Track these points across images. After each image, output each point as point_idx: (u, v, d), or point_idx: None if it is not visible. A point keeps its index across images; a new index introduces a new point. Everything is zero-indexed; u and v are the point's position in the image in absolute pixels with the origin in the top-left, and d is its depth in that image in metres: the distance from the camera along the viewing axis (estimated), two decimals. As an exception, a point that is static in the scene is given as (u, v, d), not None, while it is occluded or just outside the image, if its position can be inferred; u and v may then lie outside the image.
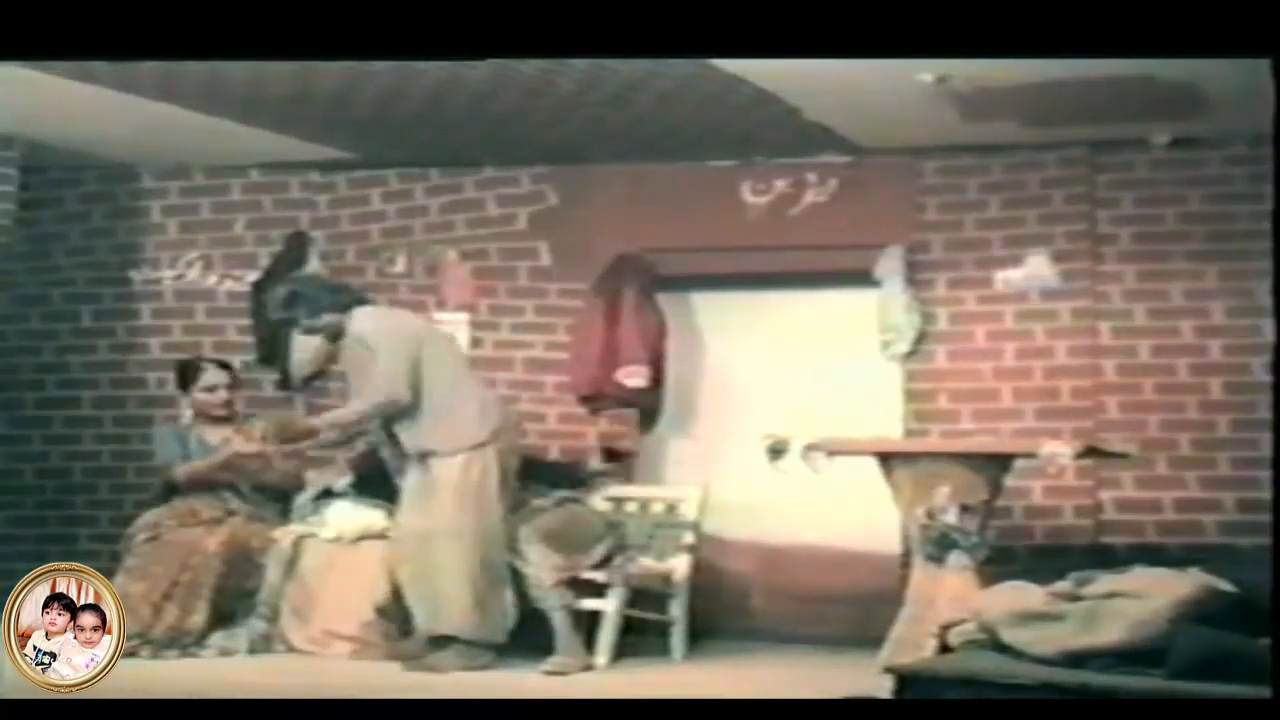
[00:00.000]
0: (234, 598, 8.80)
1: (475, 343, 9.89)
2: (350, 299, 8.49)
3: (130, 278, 10.44)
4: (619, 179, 9.83)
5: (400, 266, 10.19)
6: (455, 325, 9.58)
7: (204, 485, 9.04)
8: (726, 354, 9.95)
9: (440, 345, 8.53)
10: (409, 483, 8.27)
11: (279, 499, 9.22)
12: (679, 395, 9.87)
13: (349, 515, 8.97)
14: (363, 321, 8.31)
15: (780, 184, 9.63)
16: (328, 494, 9.20)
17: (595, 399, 9.69)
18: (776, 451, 7.95)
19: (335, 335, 8.45)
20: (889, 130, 8.99)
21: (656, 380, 9.58)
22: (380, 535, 8.76)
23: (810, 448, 7.86)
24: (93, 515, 10.24)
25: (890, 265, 9.34)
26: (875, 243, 9.39)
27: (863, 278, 9.37)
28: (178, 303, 10.41)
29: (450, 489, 8.11)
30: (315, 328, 8.51)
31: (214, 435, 9.16)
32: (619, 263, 9.72)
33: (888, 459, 7.92)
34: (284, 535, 8.93)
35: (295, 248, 10.20)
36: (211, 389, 9.20)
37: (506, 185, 10.07)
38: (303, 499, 9.24)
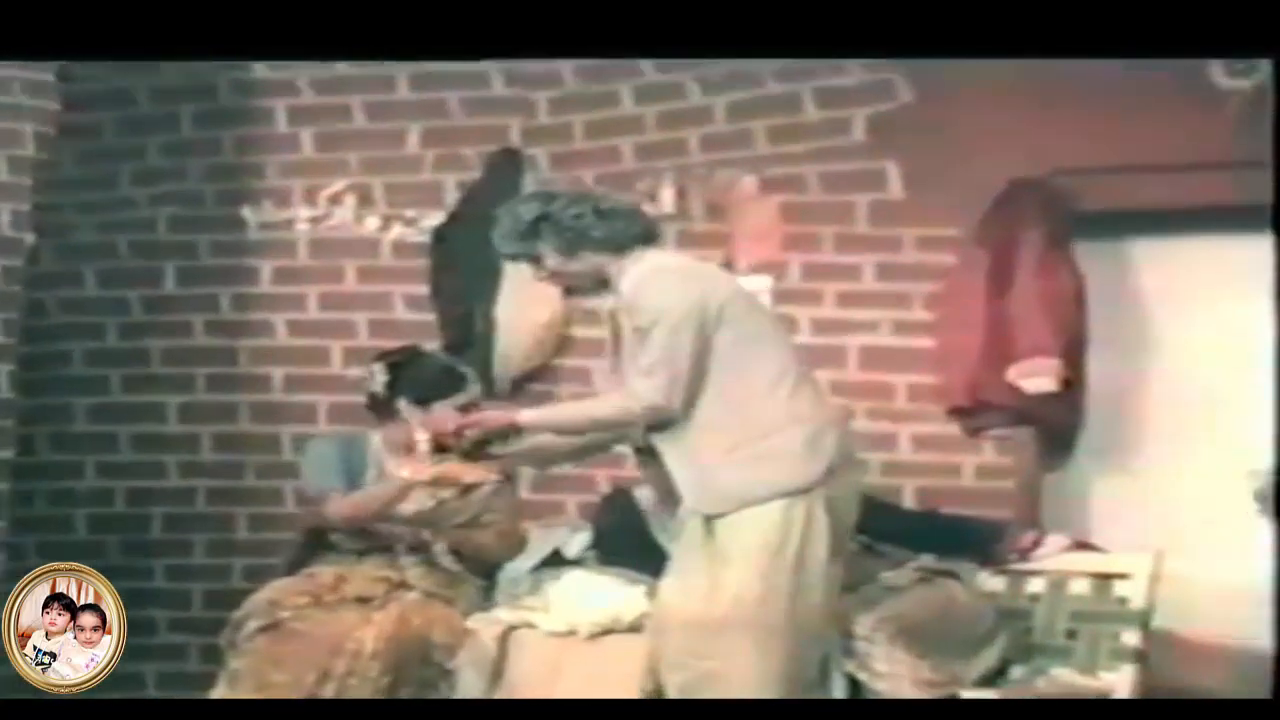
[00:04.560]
0: (405, 718, 7.08)
1: (783, 323, 7.85)
2: (636, 231, 6.60)
3: (242, 218, 8.45)
4: (1008, 64, 7.57)
5: (666, 202, 8.10)
6: (753, 294, 7.67)
7: (370, 533, 7.26)
8: (1186, 336, 7.82)
9: (757, 325, 6.60)
10: (683, 542, 6.47)
11: (482, 567, 7.39)
12: (1108, 405, 7.84)
13: (586, 595, 7.14)
14: (640, 277, 6.48)
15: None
16: (555, 559, 7.51)
17: (975, 411, 7.83)
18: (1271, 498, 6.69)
19: (598, 287, 6.65)
20: None
21: (1070, 381, 7.66)
22: (633, 628, 6.89)
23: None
24: (178, 590, 8.35)
25: None
26: None
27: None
28: (315, 258, 8.42)
29: (752, 555, 6.27)
30: (567, 274, 6.62)
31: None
32: (1013, 193, 7.70)
33: None
34: (485, 626, 7.10)
35: (501, 174, 8.15)
36: (464, 409, 7.38)
37: (830, 75, 7.91)
38: (516, 567, 7.47)
